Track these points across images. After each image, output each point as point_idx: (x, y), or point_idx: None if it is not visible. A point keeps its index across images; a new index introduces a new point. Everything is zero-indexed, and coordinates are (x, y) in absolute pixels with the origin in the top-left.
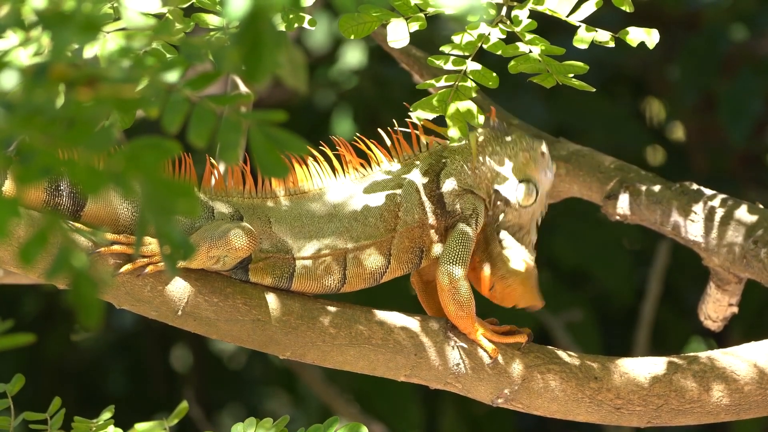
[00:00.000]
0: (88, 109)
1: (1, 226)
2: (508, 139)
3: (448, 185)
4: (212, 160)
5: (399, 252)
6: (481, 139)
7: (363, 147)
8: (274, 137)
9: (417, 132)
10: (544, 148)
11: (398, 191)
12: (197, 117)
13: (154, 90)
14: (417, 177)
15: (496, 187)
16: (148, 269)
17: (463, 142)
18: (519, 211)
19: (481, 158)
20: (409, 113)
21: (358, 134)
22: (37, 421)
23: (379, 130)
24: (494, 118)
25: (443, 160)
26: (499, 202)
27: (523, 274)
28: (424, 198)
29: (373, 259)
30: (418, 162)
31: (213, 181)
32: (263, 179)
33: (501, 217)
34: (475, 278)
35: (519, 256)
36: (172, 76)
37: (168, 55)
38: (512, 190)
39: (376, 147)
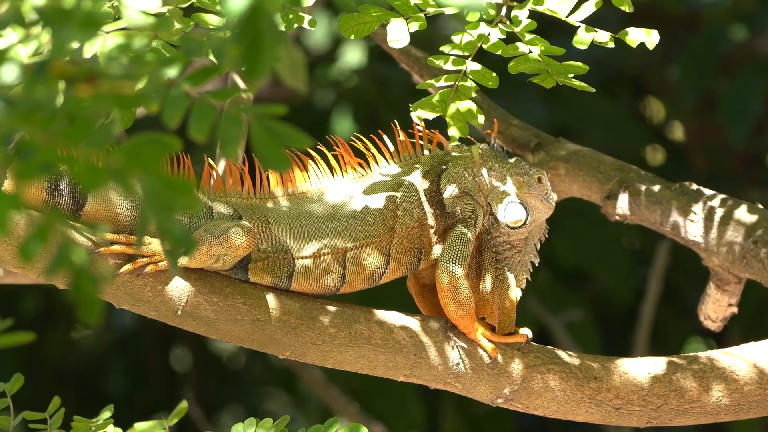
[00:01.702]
0: (88, 105)
1: (2, 221)
2: (510, 160)
3: (448, 187)
4: (210, 161)
5: (398, 252)
6: (482, 152)
7: (362, 147)
8: (274, 131)
9: (420, 134)
10: (543, 175)
11: (398, 190)
12: (197, 112)
13: (154, 85)
14: (417, 178)
15: (490, 201)
16: (149, 269)
17: (467, 153)
18: (508, 231)
19: (480, 169)
20: (413, 114)
21: (356, 134)
22: (36, 420)
23: (380, 131)
24: (495, 137)
25: (444, 164)
26: (490, 216)
27: (505, 304)
28: (424, 198)
29: (372, 259)
30: (418, 164)
31: (211, 181)
32: (261, 179)
33: (493, 232)
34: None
35: (510, 286)
36: (171, 72)
37: (167, 54)
38: (501, 210)
39: (377, 146)
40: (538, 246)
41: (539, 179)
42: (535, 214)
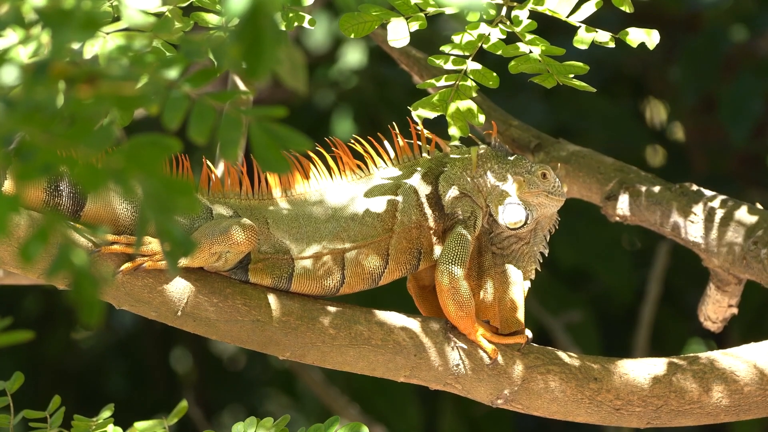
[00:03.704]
0: (88, 106)
1: (2, 223)
2: (510, 159)
3: (447, 189)
4: (209, 163)
5: (397, 252)
6: (481, 152)
7: (361, 149)
8: (274, 133)
9: (419, 133)
10: (547, 170)
11: (397, 192)
12: (197, 114)
13: (154, 87)
14: (416, 179)
15: (489, 203)
16: (147, 265)
17: (466, 155)
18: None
19: (479, 171)
20: (410, 115)
21: (356, 136)
22: (36, 419)
23: (380, 134)
24: (495, 136)
25: (443, 166)
26: (489, 217)
27: (506, 303)
28: (423, 200)
29: (371, 259)
30: (417, 165)
31: (210, 183)
32: (260, 181)
33: (495, 230)
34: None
35: (513, 283)
36: (171, 73)
37: (167, 53)
38: (501, 212)
39: (376, 149)
40: (548, 237)
41: (543, 175)
42: (539, 211)
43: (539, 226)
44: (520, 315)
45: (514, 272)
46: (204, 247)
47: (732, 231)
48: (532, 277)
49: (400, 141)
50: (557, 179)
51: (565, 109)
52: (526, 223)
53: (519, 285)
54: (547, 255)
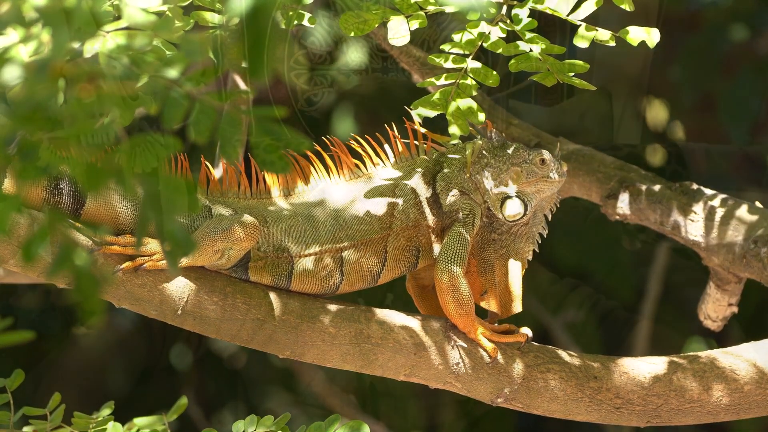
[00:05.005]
0: (89, 106)
1: (2, 222)
2: (507, 151)
3: (445, 187)
4: (207, 163)
5: (395, 250)
6: (478, 148)
7: (359, 149)
8: (275, 133)
9: (415, 132)
10: (544, 156)
11: (395, 191)
12: (198, 113)
13: (155, 86)
14: (414, 178)
15: (486, 199)
16: (147, 265)
17: (464, 151)
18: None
19: (476, 168)
20: (410, 114)
21: (353, 135)
22: (36, 416)
23: (378, 134)
24: (491, 129)
25: (441, 165)
26: (488, 211)
27: (506, 288)
28: (421, 198)
29: (369, 257)
30: (415, 164)
31: (209, 182)
32: (258, 180)
33: (494, 221)
34: (469, 282)
35: (513, 267)
36: (172, 72)
37: (168, 52)
38: (499, 206)
39: (374, 148)
40: (549, 216)
41: (542, 161)
42: (538, 197)
43: (539, 208)
44: (518, 300)
45: (513, 261)
46: (206, 245)
47: (732, 230)
48: (530, 257)
49: (399, 144)
50: (555, 161)
51: (565, 109)
52: (524, 214)
53: (518, 270)
54: (545, 236)
